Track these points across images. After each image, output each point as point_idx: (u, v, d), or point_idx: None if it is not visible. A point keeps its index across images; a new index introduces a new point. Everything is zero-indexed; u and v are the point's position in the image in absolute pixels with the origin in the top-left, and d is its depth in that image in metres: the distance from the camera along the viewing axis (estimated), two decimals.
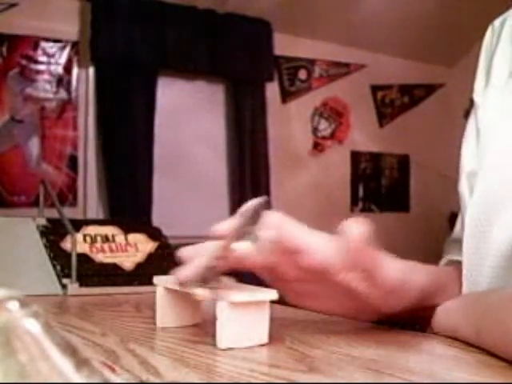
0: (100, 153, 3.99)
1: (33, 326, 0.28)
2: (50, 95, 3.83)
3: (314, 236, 0.67)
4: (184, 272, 0.62)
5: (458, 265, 0.77)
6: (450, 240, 0.89)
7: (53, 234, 1.08)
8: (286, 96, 4.83)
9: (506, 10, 0.87)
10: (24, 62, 3.74)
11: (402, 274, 0.67)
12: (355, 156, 5.18)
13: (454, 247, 0.85)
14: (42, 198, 1.20)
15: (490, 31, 0.89)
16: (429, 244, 5.48)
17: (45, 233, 1.08)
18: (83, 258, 1.05)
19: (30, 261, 1.02)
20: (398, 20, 4.74)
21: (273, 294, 0.57)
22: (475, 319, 0.57)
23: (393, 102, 5.41)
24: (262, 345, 0.57)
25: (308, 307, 0.70)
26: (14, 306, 0.28)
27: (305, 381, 0.45)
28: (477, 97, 0.87)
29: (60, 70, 3.87)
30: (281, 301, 0.67)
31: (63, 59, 3.88)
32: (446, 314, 0.65)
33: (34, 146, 3.77)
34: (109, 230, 1.14)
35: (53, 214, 1.11)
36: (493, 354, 0.53)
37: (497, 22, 0.91)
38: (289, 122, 4.84)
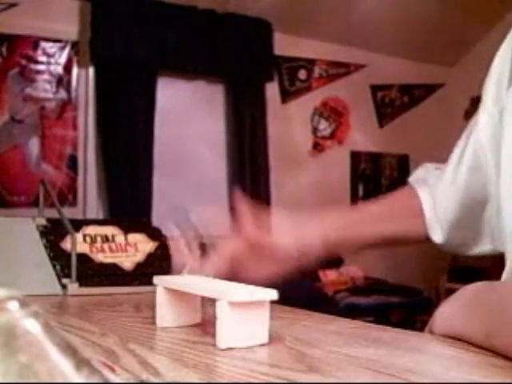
0: (100, 153, 3.99)
1: (33, 326, 0.28)
2: (50, 95, 3.83)
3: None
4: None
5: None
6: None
7: (53, 234, 1.08)
8: (286, 96, 4.83)
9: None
10: (24, 61, 3.74)
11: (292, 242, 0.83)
12: (355, 156, 5.18)
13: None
14: (41, 198, 1.20)
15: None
16: (428, 245, 5.48)
17: (45, 233, 1.08)
18: (83, 258, 1.05)
19: (29, 261, 1.03)
20: (398, 20, 4.74)
21: (273, 294, 0.58)
22: (483, 322, 0.57)
23: (393, 102, 5.41)
24: (262, 345, 0.57)
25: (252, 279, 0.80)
26: (14, 306, 0.28)
27: (304, 381, 0.45)
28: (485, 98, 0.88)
29: (60, 70, 3.87)
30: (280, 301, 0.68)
31: (63, 59, 3.87)
32: (446, 318, 0.65)
33: (33, 146, 3.77)
34: (109, 230, 1.14)
35: (53, 214, 1.11)
36: (493, 354, 0.53)
37: None
38: (289, 122, 4.84)
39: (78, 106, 3.93)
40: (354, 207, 0.90)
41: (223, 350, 0.55)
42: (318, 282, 4.21)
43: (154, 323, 0.67)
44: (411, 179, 1.00)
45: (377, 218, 0.91)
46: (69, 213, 1.11)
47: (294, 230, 0.84)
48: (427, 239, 0.93)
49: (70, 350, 0.29)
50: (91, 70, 3.97)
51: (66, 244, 1.05)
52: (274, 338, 0.58)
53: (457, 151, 0.93)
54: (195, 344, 0.58)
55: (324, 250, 0.85)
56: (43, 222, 1.11)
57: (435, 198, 0.93)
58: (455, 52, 5.44)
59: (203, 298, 0.66)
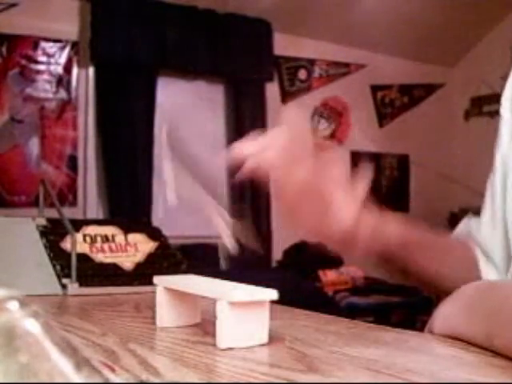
0: (100, 153, 3.99)
1: (33, 325, 0.28)
2: (50, 95, 3.83)
3: None
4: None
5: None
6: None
7: (53, 233, 1.08)
8: (286, 96, 4.83)
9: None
10: (24, 62, 3.74)
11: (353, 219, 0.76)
12: (355, 156, 5.18)
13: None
14: (41, 198, 1.20)
15: None
16: None
17: (45, 233, 1.08)
18: (83, 258, 1.05)
19: (29, 261, 1.02)
20: (398, 20, 4.74)
21: (273, 294, 0.58)
22: (483, 322, 0.57)
23: (392, 102, 5.41)
24: (262, 345, 0.57)
25: (296, 222, 0.78)
26: (14, 306, 0.28)
27: (304, 381, 0.45)
28: (504, 110, 0.87)
29: (60, 70, 3.87)
30: (280, 301, 0.68)
31: (63, 59, 3.88)
32: (446, 318, 0.64)
33: (33, 145, 3.77)
34: (109, 230, 1.14)
35: (53, 213, 1.11)
36: (493, 354, 0.53)
37: None
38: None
39: (77, 105, 3.93)
40: (419, 228, 0.83)
41: (223, 350, 0.55)
42: (317, 282, 4.21)
43: (154, 323, 0.67)
44: (456, 234, 0.95)
45: (437, 254, 0.86)
46: (69, 213, 1.11)
47: (357, 212, 0.78)
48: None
49: (70, 350, 0.29)
50: (91, 70, 3.97)
51: (66, 244, 1.05)
52: (273, 338, 0.58)
53: (487, 198, 0.89)
54: (195, 344, 0.58)
55: (378, 250, 0.80)
56: (43, 221, 1.11)
57: (480, 244, 0.88)
58: (455, 52, 5.45)
59: (203, 298, 0.66)
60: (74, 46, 3.90)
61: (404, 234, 0.79)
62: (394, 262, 0.80)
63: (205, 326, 0.66)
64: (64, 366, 0.27)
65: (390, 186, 5.40)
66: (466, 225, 0.95)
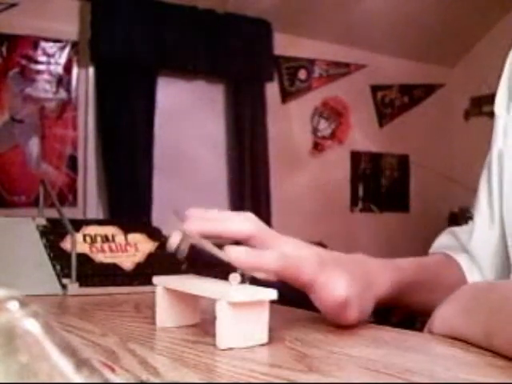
0: (100, 153, 3.99)
1: (33, 326, 0.28)
2: (50, 95, 3.83)
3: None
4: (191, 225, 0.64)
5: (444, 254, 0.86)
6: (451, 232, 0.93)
7: (53, 234, 1.08)
8: (286, 96, 4.83)
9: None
10: (24, 61, 3.74)
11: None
12: (355, 156, 5.18)
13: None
14: (41, 198, 1.20)
15: None
16: (428, 243, 5.48)
17: (45, 233, 1.08)
18: (83, 258, 1.05)
19: (29, 261, 1.03)
20: (398, 20, 4.74)
21: (273, 294, 0.58)
22: (482, 322, 0.57)
23: (393, 102, 5.41)
24: (262, 345, 0.57)
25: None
26: (13, 306, 0.28)
27: (304, 381, 0.45)
28: (497, 108, 0.87)
29: (60, 69, 3.87)
30: (280, 301, 0.68)
31: (63, 59, 3.88)
32: (445, 318, 0.64)
33: (33, 146, 3.77)
34: (109, 230, 1.14)
35: (53, 214, 1.11)
36: (493, 354, 0.53)
37: None
38: (289, 122, 4.84)
39: (77, 105, 3.93)
40: (398, 269, 0.80)
41: (223, 350, 0.55)
42: None
43: (153, 323, 0.67)
44: (436, 246, 0.95)
45: (426, 288, 0.83)
46: (69, 213, 1.11)
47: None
48: None
49: (70, 350, 0.29)
50: (91, 70, 3.97)
51: (66, 244, 1.05)
52: (273, 338, 0.58)
53: (481, 193, 0.89)
54: (195, 344, 0.58)
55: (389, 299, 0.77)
56: (43, 221, 1.11)
57: (473, 253, 0.88)
58: (455, 52, 5.45)
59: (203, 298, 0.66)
60: (74, 45, 3.90)
61: (394, 285, 0.76)
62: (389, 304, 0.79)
63: (205, 326, 0.66)
64: (64, 366, 0.28)
65: (390, 186, 5.40)
66: (446, 237, 0.96)
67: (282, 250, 0.64)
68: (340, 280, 0.64)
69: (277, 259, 0.61)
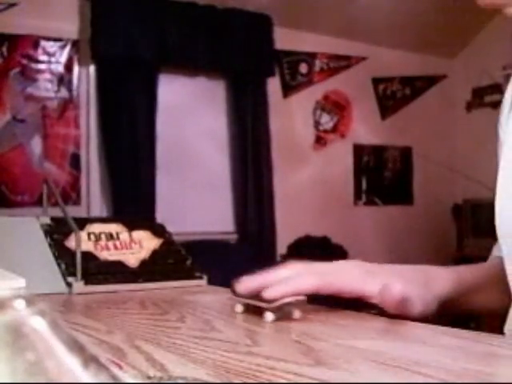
0: (102, 150, 3.99)
1: (39, 324, 0.28)
2: (52, 94, 3.83)
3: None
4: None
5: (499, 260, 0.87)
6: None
7: (57, 232, 1.08)
8: (288, 90, 4.82)
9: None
10: (25, 61, 3.74)
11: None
12: (358, 149, 5.18)
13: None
14: (45, 197, 1.20)
15: None
16: (432, 236, 5.49)
17: (49, 232, 1.08)
18: (88, 256, 1.05)
19: (34, 260, 1.03)
20: (399, 12, 4.73)
21: None
22: None
23: (394, 94, 5.40)
24: (268, 339, 0.57)
25: None
26: (20, 304, 0.28)
27: (312, 374, 0.45)
28: (502, 131, 0.87)
29: (61, 68, 3.87)
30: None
31: (64, 58, 3.88)
32: None
33: (36, 145, 3.77)
34: (113, 228, 1.14)
35: (56, 212, 1.12)
36: (500, 344, 0.53)
37: None
38: (291, 117, 4.83)
39: (79, 104, 3.93)
40: (459, 270, 0.85)
41: (228, 343, 0.54)
42: None
43: (159, 319, 0.67)
44: (494, 252, 0.97)
45: (485, 288, 0.87)
46: (72, 211, 1.12)
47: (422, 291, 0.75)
48: None
49: (77, 348, 0.29)
50: (92, 68, 3.97)
51: (71, 242, 1.05)
52: (280, 332, 0.58)
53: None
54: (202, 340, 0.58)
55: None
56: (47, 220, 1.11)
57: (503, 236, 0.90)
58: (456, 43, 5.43)
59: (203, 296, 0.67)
60: (75, 44, 3.90)
61: (454, 286, 0.80)
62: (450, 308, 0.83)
63: (211, 322, 0.66)
64: (71, 363, 0.28)
65: (394, 179, 5.39)
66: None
67: (319, 271, 0.72)
68: (394, 280, 0.71)
69: (313, 280, 0.69)
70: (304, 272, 0.71)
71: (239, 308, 0.69)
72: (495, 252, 0.95)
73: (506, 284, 0.82)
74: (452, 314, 0.83)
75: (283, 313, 0.67)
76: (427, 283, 0.75)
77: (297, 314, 0.68)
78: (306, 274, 0.70)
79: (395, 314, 0.70)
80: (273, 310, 0.66)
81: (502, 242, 0.79)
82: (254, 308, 0.68)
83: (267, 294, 0.67)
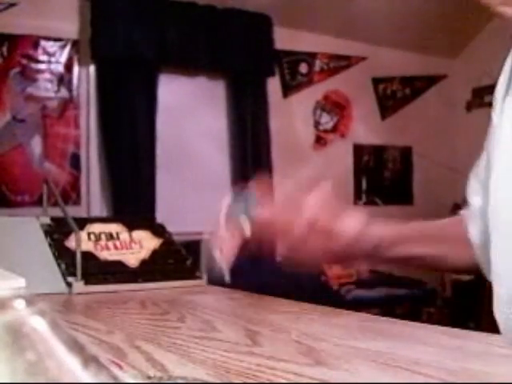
0: (102, 150, 3.99)
1: (39, 324, 0.28)
2: (52, 94, 3.83)
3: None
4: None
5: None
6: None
7: (57, 232, 1.08)
8: (288, 90, 4.82)
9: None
10: (25, 61, 3.74)
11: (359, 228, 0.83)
12: (358, 149, 5.18)
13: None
14: (45, 197, 1.20)
15: None
16: None
17: (49, 232, 1.08)
18: (88, 256, 1.05)
19: (34, 260, 1.03)
20: (399, 11, 4.73)
21: None
22: None
23: (394, 94, 5.40)
24: (269, 339, 0.57)
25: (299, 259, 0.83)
26: (20, 304, 0.28)
27: (312, 374, 0.45)
28: (494, 114, 0.88)
29: (61, 68, 3.86)
30: (286, 295, 0.68)
31: (64, 58, 3.87)
32: None
33: (36, 145, 3.77)
34: (113, 228, 1.14)
35: (56, 212, 1.12)
36: (500, 344, 0.53)
37: None
38: (291, 117, 4.83)
39: (79, 104, 3.93)
40: (404, 223, 0.91)
41: (228, 343, 0.55)
42: (323, 276, 4.21)
43: (159, 320, 0.67)
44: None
45: (428, 237, 0.91)
46: (72, 211, 1.12)
47: (360, 222, 0.85)
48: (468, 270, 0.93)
49: (77, 348, 0.29)
50: (92, 68, 3.97)
51: (71, 242, 1.05)
52: (280, 332, 0.58)
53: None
54: (201, 339, 0.58)
55: (371, 251, 0.86)
56: (47, 220, 1.11)
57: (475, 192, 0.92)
58: (456, 43, 5.43)
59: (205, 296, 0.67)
60: (75, 44, 3.90)
61: (391, 231, 0.87)
62: (390, 259, 0.88)
63: (211, 322, 0.66)
64: (71, 363, 0.28)
65: (394, 179, 5.39)
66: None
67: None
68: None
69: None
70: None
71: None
72: (462, 212, 0.96)
73: (453, 240, 0.89)
74: (389, 259, 0.89)
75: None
76: (369, 224, 0.84)
77: None
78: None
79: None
80: None
81: (493, 228, 0.79)
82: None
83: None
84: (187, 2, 4.16)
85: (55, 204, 1.12)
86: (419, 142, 5.37)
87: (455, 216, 0.96)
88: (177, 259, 1.13)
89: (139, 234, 1.15)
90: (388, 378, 0.44)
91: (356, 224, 0.82)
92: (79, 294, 0.97)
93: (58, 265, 1.02)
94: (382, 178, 5.33)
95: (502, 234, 0.76)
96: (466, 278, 4.08)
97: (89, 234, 1.10)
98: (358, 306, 3.68)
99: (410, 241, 0.89)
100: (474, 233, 0.89)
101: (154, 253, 1.13)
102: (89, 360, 0.29)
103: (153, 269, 1.09)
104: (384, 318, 0.70)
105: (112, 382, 0.29)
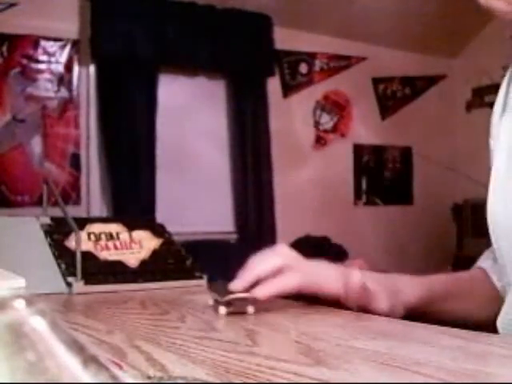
0: (102, 150, 3.99)
1: (39, 324, 0.28)
2: (52, 94, 3.83)
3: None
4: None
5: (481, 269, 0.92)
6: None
7: (57, 232, 1.08)
8: (288, 90, 4.82)
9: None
10: (25, 61, 3.74)
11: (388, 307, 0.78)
12: (358, 149, 5.18)
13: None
14: (45, 197, 1.20)
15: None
16: (432, 236, 5.49)
17: (49, 232, 1.08)
18: (88, 256, 1.05)
19: (34, 260, 1.03)
20: (399, 12, 4.73)
21: None
22: None
23: (394, 94, 5.40)
24: (269, 338, 0.57)
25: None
26: (20, 304, 0.28)
27: (311, 374, 0.45)
28: (492, 141, 0.88)
29: (61, 68, 3.87)
30: (285, 295, 0.68)
31: (64, 58, 3.87)
32: None
33: (36, 145, 3.77)
34: (113, 228, 1.14)
35: (56, 212, 1.12)
36: (500, 344, 0.53)
37: None
38: (291, 116, 4.83)
39: (79, 104, 3.93)
40: (431, 279, 0.88)
41: (228, 342, 0.55)
42: None
43: (159, 319, 0.67)
44: (478, 262, 0.98)
45: (458, 298, 0.90)
46: (73, 211, 1.12)
47: (388, 298, 0.80)
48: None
49: (77, 348, 0.29)
50: (92, 68, 3.97)
51: (71, 242, 1.05)
52: (279, 332, 0.58)
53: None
54: (201, 339, 0.58)
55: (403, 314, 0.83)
56: (47, 220, 1.11)
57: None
58: (456, 43, 5.43)
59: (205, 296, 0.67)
60: (75, 44, 3.90)
61: (422, 295, 0.84)
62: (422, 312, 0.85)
63: (211, 322, 0.66)
64: (71, 363, 0.28)
65: (394, 179, 5.39)
66: (487, 253, 0.98)
67: (303, 269, 0.77)
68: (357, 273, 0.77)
69: (297, 280, 0.74)
70: (288, 270, 0.76)
71: (223, 310, 0.71)
72: (480, 262, 0.96)
73: (478, 295, 0.88)
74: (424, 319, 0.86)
75: (236, 307, 0.71)
76: (395, 289, 0.80)
77: (250, 309, 0.72)
78: (291, 273, 0.75)
79: (359, 306, 0.75)
80: (225, 305, 0.70)
81: (496, 247, 0.80)
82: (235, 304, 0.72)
83: (257, 294, 0.71)
84: (187, 1, 4.16)
85: (55, 204, 1.12)
86: (419, 142, 5.37)
87: (475, 271, 0.95)
88: (177, 259, 1.13)
89: (139, 234, 1.15)
90: (388, 378, 0.44)
91: (385, 303, 0.77)
92: (79, 294, 0.98)
93: (58, 265, 1.02)
94: (382, 178, 5.33)
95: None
96: None
97: (89, 234, 1.10)
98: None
99: (439, 300, 0.87)
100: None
101: (154, 253, 1.13)
102: (89, 360, 0.29)
103: (153, 269, 1.09)
104: (384, 318, 0.70)
105: (112, 382, 0.29)
